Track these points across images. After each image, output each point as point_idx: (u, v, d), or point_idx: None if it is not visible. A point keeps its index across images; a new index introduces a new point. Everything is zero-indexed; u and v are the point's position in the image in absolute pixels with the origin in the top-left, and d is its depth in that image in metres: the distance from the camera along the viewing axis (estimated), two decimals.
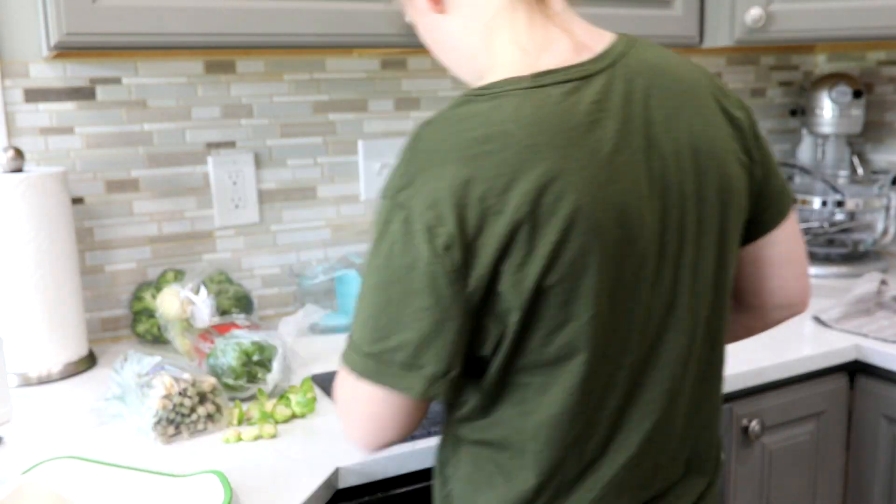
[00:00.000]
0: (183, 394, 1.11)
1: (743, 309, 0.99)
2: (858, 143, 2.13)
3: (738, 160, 0.85)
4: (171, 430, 1.11)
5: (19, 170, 1.33)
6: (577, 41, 0.81)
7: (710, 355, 0.88)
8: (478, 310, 0.76)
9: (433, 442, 1.09)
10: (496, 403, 0.82)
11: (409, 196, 0.74)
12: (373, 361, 0.77)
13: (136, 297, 1.54)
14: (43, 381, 1.35)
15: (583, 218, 0.73)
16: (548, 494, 0.82)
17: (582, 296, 0.75)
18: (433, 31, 0.89)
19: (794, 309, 1.00)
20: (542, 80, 0.76)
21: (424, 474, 1.10)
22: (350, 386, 0.81)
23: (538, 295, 0.75)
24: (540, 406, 0.80)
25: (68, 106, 1.48)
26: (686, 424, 0.87)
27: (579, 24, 0.83)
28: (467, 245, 0.72)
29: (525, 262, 0.73)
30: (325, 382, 1.28)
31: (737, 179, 0.85)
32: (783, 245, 0.94)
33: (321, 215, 1.73)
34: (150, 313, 1.51)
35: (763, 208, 0.91)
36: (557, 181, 0.72)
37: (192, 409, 1.12)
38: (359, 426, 0.83)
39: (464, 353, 0.77)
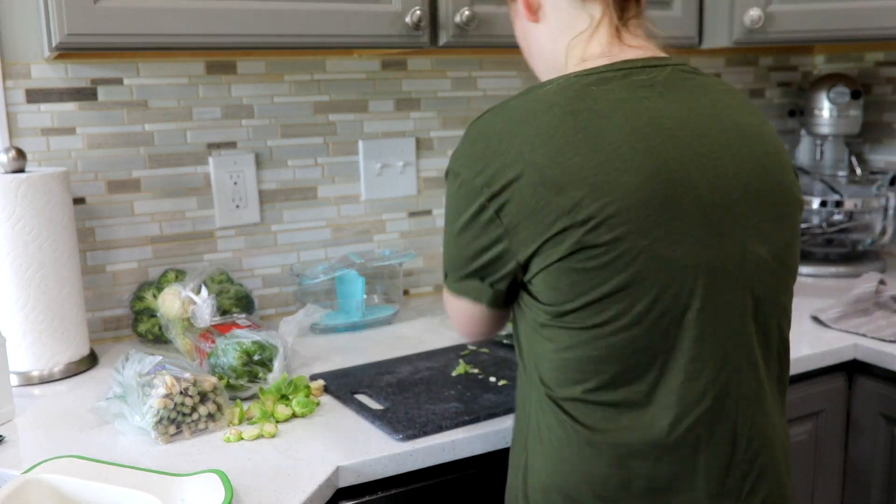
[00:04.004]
0: (184, 393, 1.11)
1: None
2: (857, 143, 2.14)
3: None
4: (172, 429, 1.11)
5: (21, 170, 1.33)
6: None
7: None
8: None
9: (432, 441, 1.09)
10: None
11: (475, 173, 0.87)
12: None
13: (138, 296, 1.54)
14: (44, 380, 1.35)
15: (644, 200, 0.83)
16: None
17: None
18: (526, 35, 1.02)
19: None
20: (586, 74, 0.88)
21: (423, 473, 1.10)
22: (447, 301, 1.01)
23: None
24: None
25: (70, 106, 1.48)
26: None
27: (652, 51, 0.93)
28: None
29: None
30: (326, 378, 1.29)
31: None
32: None
33: (322, 215, 1.73)
34: (151, 313, 1.51)
35: None
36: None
37: (193, 409, 1.12)
38: (458, 326, 1.03)
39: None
